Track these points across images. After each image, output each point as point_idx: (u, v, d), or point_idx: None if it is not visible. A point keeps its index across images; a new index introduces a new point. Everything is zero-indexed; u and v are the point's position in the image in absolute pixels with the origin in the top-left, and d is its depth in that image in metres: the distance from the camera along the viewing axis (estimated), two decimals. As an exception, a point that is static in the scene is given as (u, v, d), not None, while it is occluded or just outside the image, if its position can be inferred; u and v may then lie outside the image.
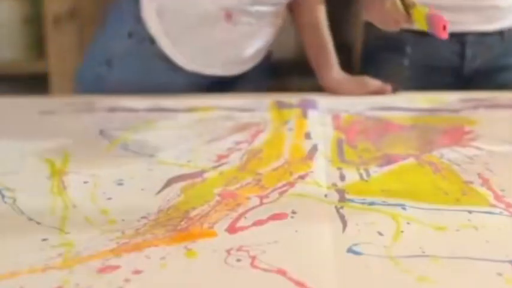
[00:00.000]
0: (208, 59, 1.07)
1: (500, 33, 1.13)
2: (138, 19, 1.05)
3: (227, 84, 1.11)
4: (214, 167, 0.77)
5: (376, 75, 1.13)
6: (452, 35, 1.10)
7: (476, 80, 1.13)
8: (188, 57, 1.06)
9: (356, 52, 2.33)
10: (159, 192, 0.71)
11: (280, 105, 0.96)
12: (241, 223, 0.64)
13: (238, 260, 0.58)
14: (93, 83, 1.08)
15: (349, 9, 2.44)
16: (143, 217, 0.65)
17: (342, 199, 0.69)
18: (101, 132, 0.88)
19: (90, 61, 1.13)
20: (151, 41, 1.05)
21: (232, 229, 0.63)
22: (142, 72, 1.08)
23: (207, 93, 1.08)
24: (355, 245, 0.60)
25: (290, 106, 0.95)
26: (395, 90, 1.06)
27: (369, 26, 1.18)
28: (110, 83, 1.07)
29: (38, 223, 0.65)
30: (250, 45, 1.08)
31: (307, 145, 0.83)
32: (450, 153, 0.80)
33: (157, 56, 1.06)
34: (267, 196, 0.69)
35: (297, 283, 0.55)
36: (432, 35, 0.94)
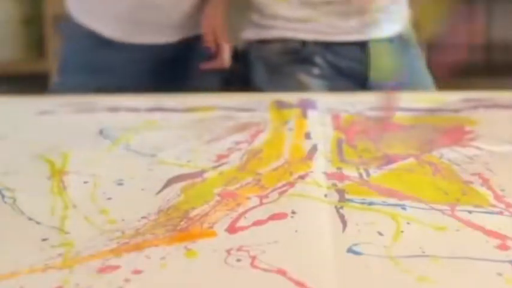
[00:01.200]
0: (131, 25, 1.08)
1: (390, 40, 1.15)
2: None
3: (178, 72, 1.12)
4: (214, 167, 0.77)
5: (285, 89, 1.12)
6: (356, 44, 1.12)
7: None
8: (112, 27, 1.07)
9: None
10: (159, 192, 0.71)
11: (280, 105, 0.96)
12: (241, 223, 0.64)
13: (238, 260, 0.58)
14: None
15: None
16: (143, 217, 0.65)
17: (342, 199, 0.69)
18: (101, 132, 0.88)
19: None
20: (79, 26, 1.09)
21: (232, 229, 0.63)
22: (81, 56, 1.10)
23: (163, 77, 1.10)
24: (355, 245, 0.60)
25: (290, 106, 0.95)
26: None
27: (266, 43, 1.17)
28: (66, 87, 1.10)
29: (38, 223, 0.65)
30: (173, 8, 1.08)
31: (307, 145, 0.83)
32: (450, 153, 0.80)
33: (85, 34, 1.08)
34: (267, 196, 0.69)
35: (297, 283, 0.55)
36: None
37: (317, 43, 1.13)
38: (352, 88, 1.12)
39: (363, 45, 1.13)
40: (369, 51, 1.13)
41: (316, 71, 1.13)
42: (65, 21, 1.17)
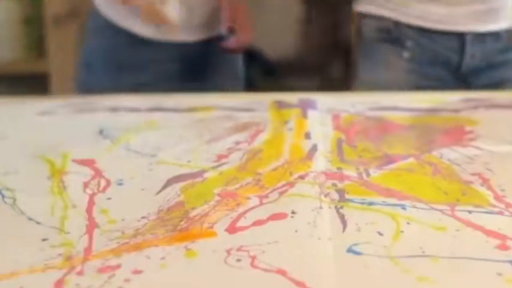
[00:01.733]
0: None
1: (497, 34, 1.14)
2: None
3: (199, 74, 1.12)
4: (214, 167, 0.77)
5: (375, 66, 1.14)
6: (452, 33, 1.11)
7: (473, 76, 1.14)
8: (142, 24, 1.07)
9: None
10: (159, 192, 0.71)
11: (280, 105, 0.96)
12: (241, 223, 0.64)
13: (238, 260, 0.58)
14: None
15: (350, 9, 2.44)
16: (143, 217, 0.65)
17: (342, 199, 0.69)
18: (101, 132, 0.88)
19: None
20: (110, 25, 1.10)
21: (232, 229, 0.63)
22: (111, 54, 1.11)
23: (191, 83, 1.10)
24: (355, 245, 0.60)
25: (290, 106, 0.95)
26: None
27: (363, 17, 1.19)
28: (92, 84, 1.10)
29: (38, 223, 0.65)
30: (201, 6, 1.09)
31: (307, 145, 0.83)
32: (450, 153, 0.80)
33: (115, 31, 1.10)
34: (267, 196, 0.69)
35: (297, 283, 0.55)
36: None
37: (410, 26, 1.13)
38: (443, 77, 1.13)
39: (460, 36, 1.13)
40: (466, 43, 1.13)
41: (406, 54, 1.14)
42: (91, 16, 1.16)
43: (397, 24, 1.15)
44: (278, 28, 2.60)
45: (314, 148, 0.82)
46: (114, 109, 0.96)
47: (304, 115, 0.92)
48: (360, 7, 1.20)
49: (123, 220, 0.65)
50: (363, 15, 1.19)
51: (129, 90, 1.03)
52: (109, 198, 0.70)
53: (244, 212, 0.66)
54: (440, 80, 1.14)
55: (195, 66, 1.14)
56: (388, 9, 1.15)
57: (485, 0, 1.12)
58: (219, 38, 1.15)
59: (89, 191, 0.72)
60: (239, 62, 1.24)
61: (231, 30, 1.14)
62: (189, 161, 0.79)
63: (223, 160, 0.79)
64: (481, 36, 1.13)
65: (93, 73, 1.15)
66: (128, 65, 1.11)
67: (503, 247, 0.60)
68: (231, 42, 1.14)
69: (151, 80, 1.11)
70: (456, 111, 0.95)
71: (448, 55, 1.14)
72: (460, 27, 1.12)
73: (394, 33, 1.16)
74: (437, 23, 1.13)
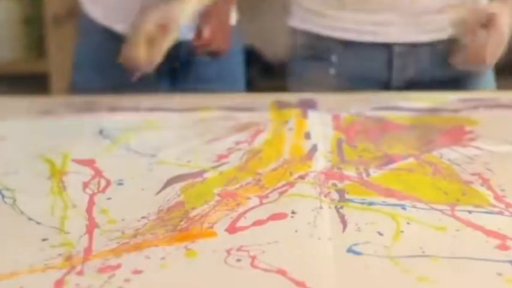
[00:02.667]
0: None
1: (431, 45, 1.07)
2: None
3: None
4: (214, 167, 0.77)
5: (301, 84, 1.11)
6: (378, 45, 1.06)
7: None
8: (125, 22, 1.07)
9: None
10: (159, 192, 0.71)
11: (280, 105, 0.96)
12: (241, 223, 0.64)
13: (238, 260, 0.58)
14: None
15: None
16: (143, 217, 0.65)
17: (342, 199, 0.69)
18: (101, 132, 0.88)
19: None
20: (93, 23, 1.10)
21: (232, 229, 0.63)
22: (95, 53, 1.12)
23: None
24: (355, 245, 0.60)
25: (290, 106, 0.95)
26: None
27: (293, 33, 1.15)
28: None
29: (38, 223, 0.65)
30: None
31: (307, 145, 0.83)
32: (450, 153, 0.80)
33: (99, 30, 1.10)
34: (266, 196, 0.69)
35: (297, 283, 0.55)
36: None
37: (333, 40, 1.09)
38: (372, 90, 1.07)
39: (387, 48, 1.07)
40: (393, 55, 1.07)
41: (332, 70, 1.09)
42: (80, 17, 1.17)
43: (321, 38, 1.09)
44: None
45: (314, 148, 0.82)
46: (114, 109, 0.96)
47: (304, 115, 0.92)
48: (290, 22, 1.15)
49: (123, 220, 0.65)
50: (293, 31, 1.14)
51: (117, 90, 1.03)
52: (109, 198, 0.70)
53: (244, 212, 0.66)
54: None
55: (184, 66, 1.14)
56: (311, 23, 1.10)
57: (405, 7, 1.05)
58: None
59: (89, 191, 0.72)
60: (237, 63, 1.23)
61: (198, 32, 1.13)
62: (189, 161, 0.79)
63: (223, 160, 0.79)
64: (412, 48, 1.06)
65: (81, 73, 1.15)
66: (114, 65, 1.11)
67: (503, 247, 0.60)
68: (194, 39, 1.12)
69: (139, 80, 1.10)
70: (456, 111, 0.95)
71: (376, 69, 1.08)
72: (384, 38, 1.06)
73: (318, 49, 1.10)
74: (361, 34, 1.07)
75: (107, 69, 1.10)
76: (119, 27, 1.09)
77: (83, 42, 1.17)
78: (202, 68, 1.16)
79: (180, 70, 1.14)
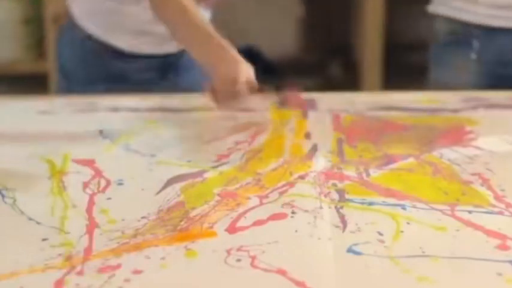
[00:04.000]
0: (140, 37, 1.09)
1: None
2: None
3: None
4: (214, 167, 0.77)
5: (444, 69, 1.13)
6: None
7: None
8: (120, 38, 1.07)
9: (356, 52, 2.33)
10: (159, 192, 0.71)
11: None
12: (241, 223, 0.64)
13: (238, 260, 0.58)
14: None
15: (349, 9, 2.44)
16: (143, 217, 0.65)
17: (342, 199, 0.69)
18: (101, 132, 0.88)
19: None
20: (88, 37, 1.09)
21: (232, 229, 0.63)
22: (89, 67, 1.12)
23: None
24: (355, 245, 0.60)
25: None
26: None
27: (434, 18, 1.17)
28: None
29: (38, 223, 0.65)
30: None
31: (307, 145, 0.83)
32: (450, 153, 0.80)
33: (93, 45, 1.10)
34: (267, 196, 0.70)
35: (297, 283, 0.55)
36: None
37: (476, 26, 1.09)
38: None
39: None
40: None
41: (473, 55, 1.10)
42: (69, 26, 1.17)
43: (464, 24, 1.11)
44: (278, 28, 2.60)
45: (314, 148, 0.82)
46: (114, 109, 0.96)
47: (304, 115, 0.92)
48: (431, 8, 1.17)
49: (123, 220, 0.65)
50: (435, 17, 1.17)
51: (98, 90, 1.03)
52: (109, 198, 0.70)
53: (244, 212, 0.66)
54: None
55: (171, 75, 1.14)
56: (455, 9, 1.12)
57: None
58: None
59: (89, 191, 0.72)
60: None
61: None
62: (189, 161, 0.79)
63: (223, 160, 0.79)
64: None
65: (70, 83, 1.15)
66: (105, 77, 1.11)
67: (503, 247, 0.60)
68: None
69: (130, 90, 1.10)
70: (456, 111, 0.95)
71: None
72: None
73: (460, 34, 1.12)
74: (504, 20, 1.08)
75: (105, 82, 1.10)
76: (120, 43, 1.09)
77: (74, 54, 1.17)
78: (190, 76, 1.16)
79: (170, 79, 1.14)
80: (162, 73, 1.13)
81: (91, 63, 1.12)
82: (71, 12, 1.12)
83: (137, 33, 1.09)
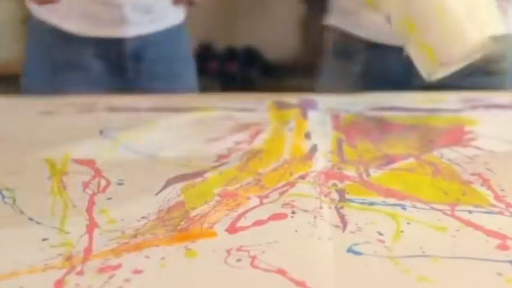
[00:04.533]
0: (88, 19, 1.09)
1: None
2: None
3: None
4: (214, 167, 0.77)
5: (330, 78, 1.12)
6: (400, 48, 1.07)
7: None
8: (70, 21, 1.07)
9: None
10: (159, 192, 0.71)
11: (280, 105, 0.96)
12: (241, 223, 0.64)
13: (238, 260, 0.58)
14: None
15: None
16: (143, 217, 0.65)
17: (342, 199, 0.69)
18: (101, 132, 0.88)
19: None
20: (41, 24, 1.10)
21: (232, 229, 0.63)
22: (44, 54, 1.12)
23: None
24: (355, 245, 0.60)
25: (290, 106, 0.95)
26: None
27: (328, 30, 1.16)
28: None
29: (38, 223, 0.65)
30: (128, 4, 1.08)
31: (307, 145, 0.83)
32: (450, 153, 0.80)
33: (46, 30, 1.10)
34: (267, 196, 0.70)
35: (297, 283, 0.55)
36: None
37: (361, 40, 1.09)
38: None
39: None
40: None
41: (356, 69, 1.10)
42: (29, 19, 1.17)
43: (349, 37, 1.10)
44: (278, 28, 2.60)
45: (314, 148, 0.82)
46: (115, 109, 0.96)
47: (304, 115, 0.92)
48: (326, 20, 1.16)
49: (123, 220, 0.65)
50: (327, 28, 1.16)
51: (65, 90, 1.03)
52: (109, 198, 0.70)
53: (245, 212, 0.66)
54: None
55: (133, 63, 1.14)
56: (343, 22, 1.11)
57: None
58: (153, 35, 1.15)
59: (89, 191, 0.72)
60: (186, 62, 1.23)
61: None
62: (189, 161, 0.79)
63: (224, 160, 0.79)
64: None
65: (29, 75, 1.15)
66: (61, 65, 1.11)
67: (503, 247, 0.60)
68: None
69: (87, 79, 1.10)
70: (456, 111, 0.95)
71: (399, 71, 1.06)
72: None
73: (346, 47, 1.11)
74: (387, 37, 1.05)
75: (60, 69, 1.10)
76: (66, 26, 1.09)
77: (29, 43, 1.17)
78: (152, 66, 1.16)
79: (130, 68, 1.14)
80: (115, 61, 1.13)
81: (48, 52, 1.12)
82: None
83: (85, 16, 1.09)
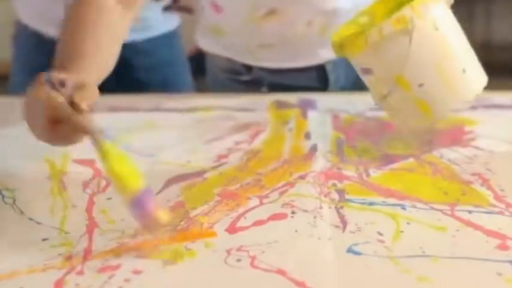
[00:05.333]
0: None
1: None
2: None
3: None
4: (214, 167, 0.77)
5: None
6: (311, 68, 1.03)
7: None
8: (53, 26, 1.06)
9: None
10: (159, 192, 0.71)
11: (279, 105, 0.95)
12: (241, 223, 0.64)
13: (238, 260, 0.58)
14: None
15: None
16: (143, 217, 0.65)
17: (342, 199, 0.69)
18: (101, 132, 0.88)
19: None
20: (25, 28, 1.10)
21: (232, 229, 0.63)
22: (27, 58, 1.12)
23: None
24: (355, 245, 0.60)
25: (290, 106, 0.95)
26: None
27: (208, 54, 1.09)
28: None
29: (38, 223, 0.65)
30: None
31: (307, 145, 0.83)
32: (450, 153, 0.80)
33: (29, 35, 1.10)
34: (267, 196, 0.69)
35: (297, 283, 0.55)
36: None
37: (263, 69, 1.03)
38: None
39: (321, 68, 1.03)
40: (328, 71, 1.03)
41: (264, 90, 1.03)
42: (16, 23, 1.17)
43: (249, 67, 1.03)
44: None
45: (314, 148, 0.82)
46: (114, 109, 0.96)
47: (304, 115, 0.92)
48: (203, 45, 1.07)
49: (123, 220, 0.65)
50: (213, 56, 1.07)
51: None
52: (109, 198, 0.70)
53: (244, 212, 0.66)
54: None
55: (126, 71, 1.11)
56: (236, 54, 1.03)
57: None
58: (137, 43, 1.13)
59: (89, 191, 0.72)
60: (182, 71, 1.22)
61: None
62: (189, 161, 0.79)
63: (223, 160, 0.79)
64: (338, 59, 0.97)
65: (14, 78, 1.15)
66: (43, 69, 1.09)
67: (503, 247, 0.60)
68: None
69: None
70: (456, 111, 0.95)
71: (312, 87, 1.03)
72: (316, 60, 1.02)
73: (247, 75, 1.04)
74: (291, 61, 1.02)
75: (36, 73, 1.09)
76: (49, 31, 1.08)
77: (14, 49, 1.17)
78: (144, 74, 1.15)
79: (122, 76, 1.11)
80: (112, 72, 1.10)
81: (31, 57, 1.11)
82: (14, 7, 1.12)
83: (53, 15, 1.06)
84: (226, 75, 1.06)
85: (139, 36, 1.13)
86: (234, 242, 0.61)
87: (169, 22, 1.19)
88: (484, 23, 2.83)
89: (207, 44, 1.06)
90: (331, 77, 1.04)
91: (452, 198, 0.69)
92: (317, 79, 1.04)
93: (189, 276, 0.56)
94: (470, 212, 0.66)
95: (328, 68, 1.03)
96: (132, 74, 1.14)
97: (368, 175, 0.75)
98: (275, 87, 1.02)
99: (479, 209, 0.67)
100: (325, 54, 1.00)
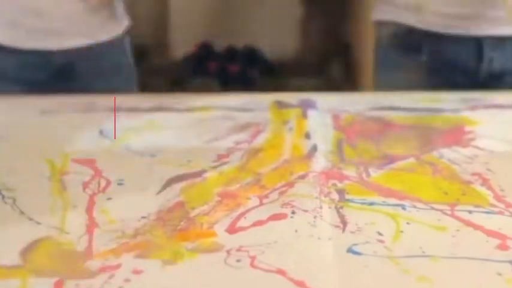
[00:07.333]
0: (16, 30, 1.05)
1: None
2: None
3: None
4: (214, 167, 0.77)
5: (392, 73, 1.14)
6: (469, 38, 1.10)
7: (492, 82, 1.12)
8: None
9: (356, 52, 2.33)
10: (159, 192, 0.71)
11: (280, 105, 0.96)
12: (241, 223, 0.64)
13: (238, 260, 0.58)
14: None
15: (349, 9, 2.44)
16: (143, 217, 0.65)
17: (342, 199, 0.69)
18: (101, 132, 0.88)
19: None
20: None
21: (232, 229, 0.63)
22: None
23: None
24: (355, 245, 0.60)
25: (290, 106, 0.95)
26: None
27: (379, 25, 1.18)
28: None
29: (38, 223, 0.65)
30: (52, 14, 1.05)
31: (307, 145, 0.83)
32: (450, 153, 0.80)
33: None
34: (267, 196, 0.70)
35: (297, 283, 0.55)
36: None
37: (427, 33, 1.11)
38: (461, 83, 1.09)
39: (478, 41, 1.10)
40: (484, 48, 1.11)
41: (422, 59, 1.12)
42: None
43: (414, 30, 1.12)
44: (278, 28, 2.61)
45: (314, 148, 0.82)
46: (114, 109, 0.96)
47: (304, 115, 0.92)
48: (377, 15, 1.18)
49: (123, 220, 0.65)
50: (380, 23, 1.18)
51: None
52: (109, 198, 0.70)
53: (244, 212, 0.66)
54: (458, 86, 1.09)
55: (63, 76, 1.09)
56: (405, 16, 1.13)
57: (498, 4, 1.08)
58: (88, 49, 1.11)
59: (89, 191, 0.72)
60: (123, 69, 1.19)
61: None
62: (189, 161, 0.79)
63: (223, 160, 0.79)
64: (500, 41, 1.11)
65: None
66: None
67: (503, 247, 0.60)
68: None
69: (17, 89, 1.07)
70: (456, 111, 0.95)
71: (466, 61, 1.11)
72: (477, 32, 1.10)
73: (410, 40, 1.14)
74: (454, 28, 1.10)
75: None
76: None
77: None
78: (87, 81, 1.12)
79: (63, 83, 1.10)
80: (49, 74, 1.08)
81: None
82: None
83: (10, 25, 1.05)
84: (394, 42, 1.14)
85: (80, 41, 1.11)
86: (234, 242, 0.61)
87: (115, 28, 1.15)
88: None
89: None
90: (487, 56, 1.09)
91: (452, 198, 0.69)
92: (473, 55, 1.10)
93: (189, 276, 0.56)
94: (470, 212, 0.66)
95: (486, 43, 1.09)
96: (73, 82, 1.11)
97: (368, 175, 0.75)
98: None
99: (479, 209, 0.67)
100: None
